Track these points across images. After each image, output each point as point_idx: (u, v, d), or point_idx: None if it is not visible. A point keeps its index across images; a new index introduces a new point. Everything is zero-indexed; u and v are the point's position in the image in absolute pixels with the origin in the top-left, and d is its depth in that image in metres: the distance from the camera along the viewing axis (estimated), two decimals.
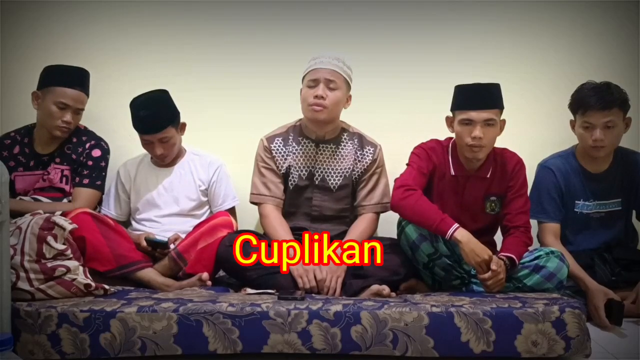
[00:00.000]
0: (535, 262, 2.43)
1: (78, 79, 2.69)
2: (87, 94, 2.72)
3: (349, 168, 2.73)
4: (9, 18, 3.06)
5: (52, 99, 2.63)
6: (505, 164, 2.61)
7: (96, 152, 2.75)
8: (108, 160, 2.80)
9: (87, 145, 2.74)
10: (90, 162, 2.73)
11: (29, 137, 2.76)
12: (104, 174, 2.77)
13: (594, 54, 3.16)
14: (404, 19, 3.15)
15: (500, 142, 2.66)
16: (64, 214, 2.40)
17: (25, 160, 2.73)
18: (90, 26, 3.09)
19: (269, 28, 3.13)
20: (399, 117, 3.11)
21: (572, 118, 2.74)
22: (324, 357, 2.11)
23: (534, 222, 2.71)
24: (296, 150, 2.72)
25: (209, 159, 2.85)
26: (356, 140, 2.76)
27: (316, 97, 2.59)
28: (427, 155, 2.61)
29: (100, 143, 2.78)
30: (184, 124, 2.78)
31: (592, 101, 2.60)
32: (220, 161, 2.87)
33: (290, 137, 2.74)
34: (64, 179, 2.72)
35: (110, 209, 2.81)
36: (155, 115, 2.65)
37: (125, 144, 2.88)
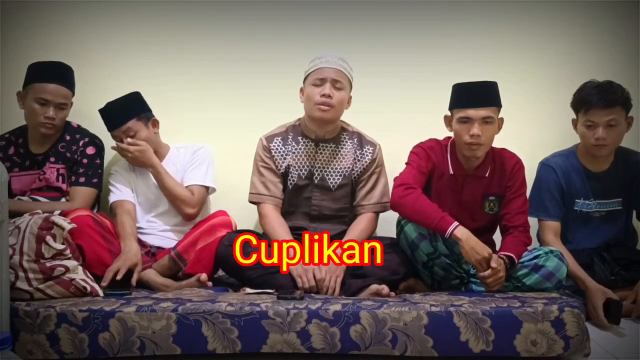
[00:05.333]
0: (535, 261, 2.43)
1: (56, 73, 2.66)
2: (70, 89, 2.70)
3: (349, 167, 2.73)
4: (9, 18, 3.06)
5: (33, 96, 2.62)
6: (504, 163, 2.61)
7: (90, 150, 2.74)
8: (103, 157, 2.79)
9: (81, 143, 2.73)
10: (85, 160, 2.72)
11: (23, 137, 2.75)
12: (100, 171, 2.76)
13: (594, 54, 3.16)
14: (404, 19, 3.15)
15: (500, 142, 2.66)
16: (63, 214, 2.40)
17: (20, 160, 2.73)
18: (90, 26, 3.08)
19: (268, 28, 3.13)
20: (399, 117, 3.11)
21: (574, 117, 2.74)
22: (323, 357, 2.10)
23: (534, 220, 2.71)
24: (295, 149, 2.72)
25: (193, 147, 2.83)
26: (356, 139, 2.76)
27: (323, 95, 2.59)
28: (426, 155, 2.61)
29: (94, 140, 2.77)
30: (156, 121, 2.78)
31: (594, 99, 2.61)
32: (202, 145, 2.84)
33: (290, 137, 2.74)
34: (60, 178, 2.72)
35: (128, 196, 2.74)
36: (116, 110, 2.70)
37: None
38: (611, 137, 2.64)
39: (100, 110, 2.73)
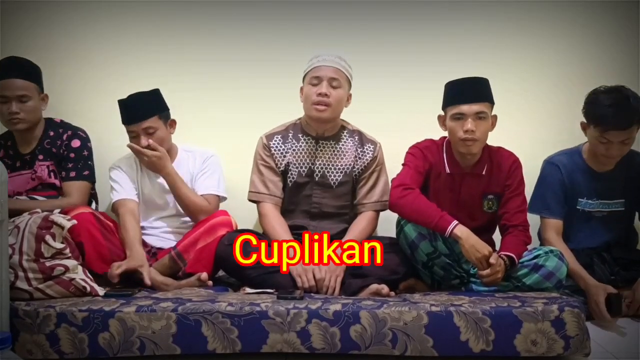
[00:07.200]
0: (535, 261, 2.43)
1: (9, 68, 2.64)
2: (29, 79, 2.65)
3: (350, 165, 2.73)
4: (8, 18, 3.06)
5: None
6: (502, 162, 2.61)
7: (75, 143, 2.72)
8: (90, 148, 2.76)
9: (65, 136, 2.72)
10: (72, 154, 2.70)
11: (11, 139, 2.76)
12: (89, 162, 2.74)
13: (594, 54, 3.16)
14: (403, 19, 3.15)
15: (501, 142, 2.66)
16: (64, 212, 2.39)
17: (11, 162, 2.73)
18: (90, 26, 3.09)
19: (268, 28, 3.14)
20: (399, 117, 3.11)
21: (583, 120, 2.68)
22: (323, 357, 2.10)
23: (534, 219, 2.71)
24: (296, 146, 2.72)
25: (204, 154, 2.81)
26: (356, 137, 2.76)
27: (320, 94, 2.59)
28: (422, 155, 2.62)
29: (77, 132, 2.75)
30: (174, 121, 2.75)
31: (612, 122, 2.53)
32: (212, 152, 2.82)
33: (290, 135, 2.74)
34: (52, 174, 2.71)
35: (131, 193, 2.69)
36: (140, 104, 2.61)
37: (124, 144, 2.86)
38: (623, 152, 2.62)
39: (121, 102, 2.63)
